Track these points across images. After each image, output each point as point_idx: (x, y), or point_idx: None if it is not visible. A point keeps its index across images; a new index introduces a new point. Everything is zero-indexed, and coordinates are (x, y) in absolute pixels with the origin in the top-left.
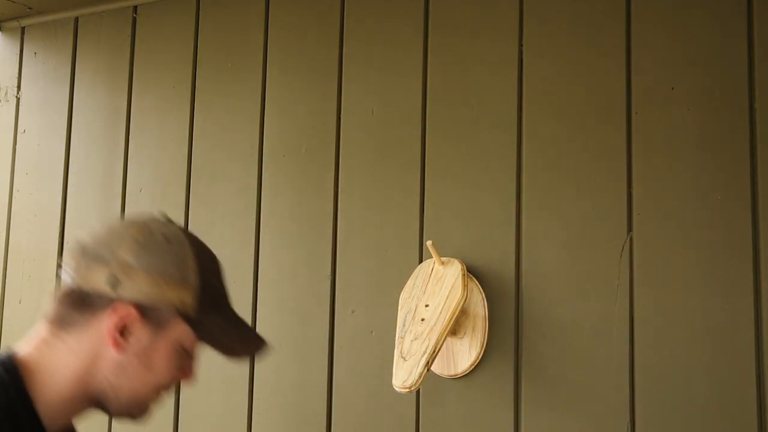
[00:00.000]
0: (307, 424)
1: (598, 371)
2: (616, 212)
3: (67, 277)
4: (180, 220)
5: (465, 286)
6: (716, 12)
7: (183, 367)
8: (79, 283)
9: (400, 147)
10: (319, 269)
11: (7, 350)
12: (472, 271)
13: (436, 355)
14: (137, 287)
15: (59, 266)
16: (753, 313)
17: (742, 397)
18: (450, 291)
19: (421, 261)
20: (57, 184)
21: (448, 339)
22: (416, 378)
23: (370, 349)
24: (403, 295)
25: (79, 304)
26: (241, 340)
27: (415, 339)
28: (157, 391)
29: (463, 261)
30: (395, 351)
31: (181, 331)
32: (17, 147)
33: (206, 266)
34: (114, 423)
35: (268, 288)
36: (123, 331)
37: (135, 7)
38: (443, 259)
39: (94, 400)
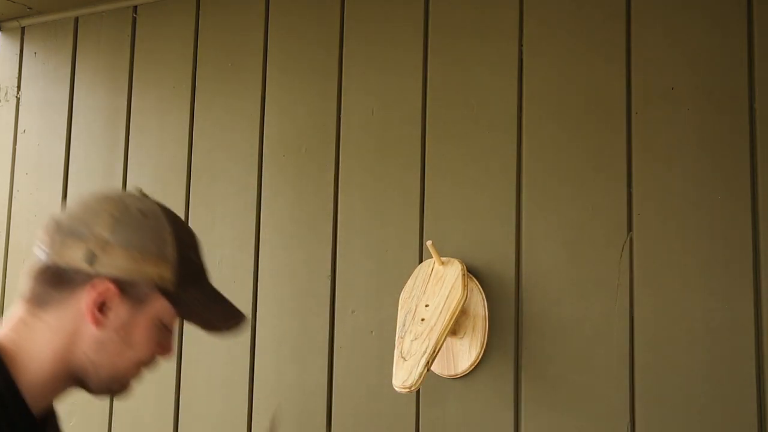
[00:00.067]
0: (307, 424)
1: (598, 371)
2: (616, 212)
3: (42, 254)
4: None
5: (465, 286)
6: (716, 12)
7: (162, 342)
8: (55, 260)
9: (400, 147)
10: (319, 269)
11: None
12: (472, 271)
13: (436, 355)
14: (115, 263)
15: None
16: (753, 313)
17: (742, 397)
18: (450, 291)
19: (421, 261)
20: (57, 184)
21: (448, 339)
22: (416, 378)
23: (370, 349)
24: (403, 295)
25: (55, 281)
26: (220, 315)
27: (415, 339)
28: (137, 367)
29: (463, 261)
30: (395, 351)
31: (160, 306)
32: (17, 147)
33: (184, 241)
34: (114, 422)
35: (268, 288)
36: (102, 307)
37: (135, 7)
38: (443, 259)
39: (74, 377)
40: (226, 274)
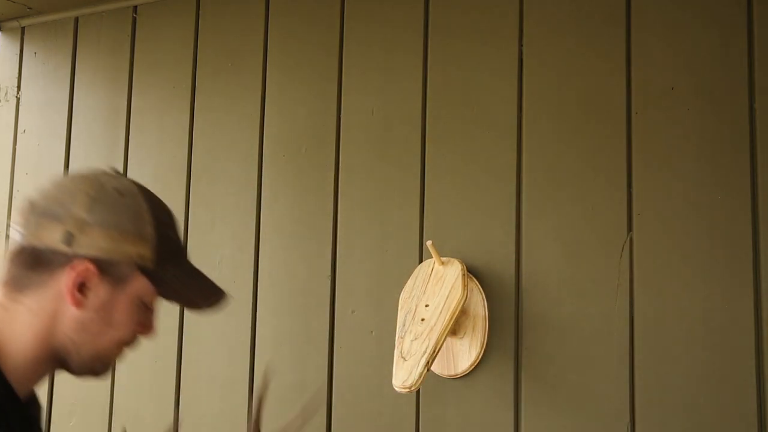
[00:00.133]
0: (307, 424)
1: (598, 371)
2: (616, 212)
3: (18, 236)
4: (180, 220)
5: (465, 286)
6: (716, 12)
7: (143, 321)
8: (32, 242)
9: (400, 147)
10: (319, 269)
11: None
12: (472, 271)
13: (436, 355)
14: (93, 243)
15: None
16: (753, 313)
17: (742, 397)
18: (450, 291)
19: (421, 261)
20: None
21: (448, 339)
22: (416, 378)
23: (370, 349)
24: (403, 295)
25: (33, 263)
26: (200, 292)
27: (415, 339)
28: (118, 347)
29: (463, 261)
30: (395, 351)
31: (140, 285)
32: (17, 147)
33: (161, 219)
34: (114, 422)
35: (268, 288)
36: (81, 288)
37: (135, 7)
38: (443, 259)
39: (57, 359)
40: (226, 274)
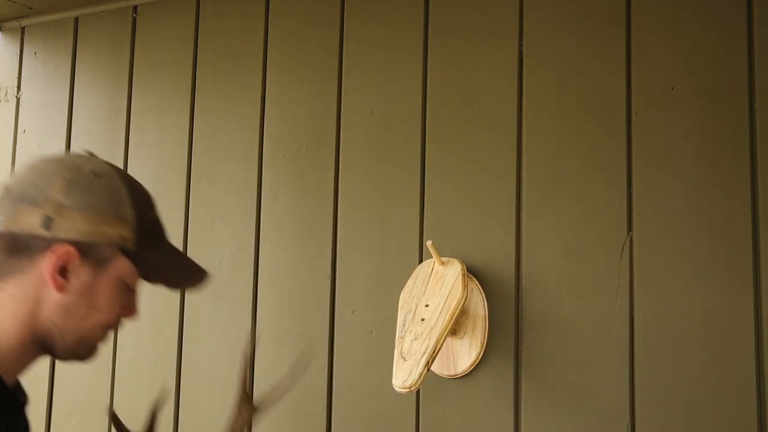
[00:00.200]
0: (307, 424)
1: (598, 371)
2: (616, 212)
3: None
4: (180, 220)
5: (465, 286)
6: (716, 12)
7: (126, 303)
8: (9, 227)
9: (400, 147)
10: (319, 269)
11: None
12: (472, 271)
13: (436, 355)
14: (73, 226)
15: None
16: (753, 313)
17: (742, 397)
18: (450, 291)
19: (421, 261)
20: None
21: (448, 339)
22: (416, 378)
23: (370, 349)
24: (403, 295)
25: (12, 249)
26: (182, 272)
27: (415, 339)
28: (102, 330)
29: (463, 261)
30: (395, 351)
31: (121, 266)
32: (17, 147)
33: (140, 200)
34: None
35: (268, 288)
36: (63, 272)
37: (135, 7)
38: (443, 259)
39: (41, 344)
40: (226, 274)
